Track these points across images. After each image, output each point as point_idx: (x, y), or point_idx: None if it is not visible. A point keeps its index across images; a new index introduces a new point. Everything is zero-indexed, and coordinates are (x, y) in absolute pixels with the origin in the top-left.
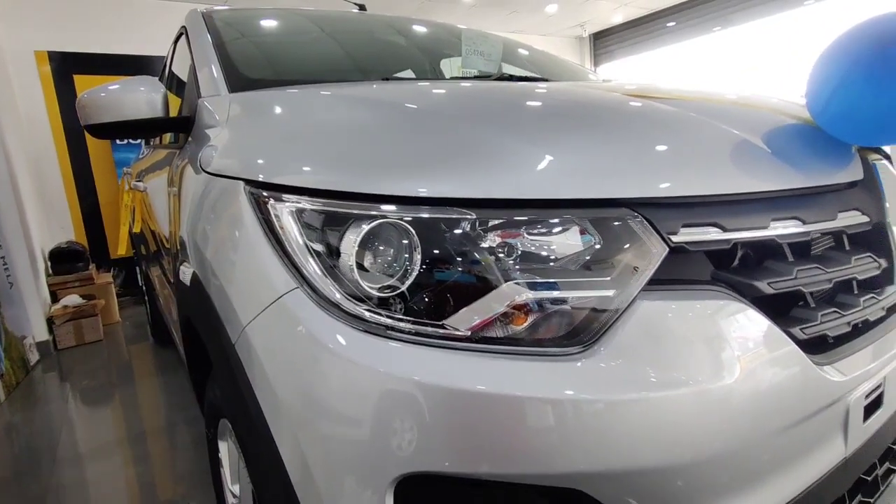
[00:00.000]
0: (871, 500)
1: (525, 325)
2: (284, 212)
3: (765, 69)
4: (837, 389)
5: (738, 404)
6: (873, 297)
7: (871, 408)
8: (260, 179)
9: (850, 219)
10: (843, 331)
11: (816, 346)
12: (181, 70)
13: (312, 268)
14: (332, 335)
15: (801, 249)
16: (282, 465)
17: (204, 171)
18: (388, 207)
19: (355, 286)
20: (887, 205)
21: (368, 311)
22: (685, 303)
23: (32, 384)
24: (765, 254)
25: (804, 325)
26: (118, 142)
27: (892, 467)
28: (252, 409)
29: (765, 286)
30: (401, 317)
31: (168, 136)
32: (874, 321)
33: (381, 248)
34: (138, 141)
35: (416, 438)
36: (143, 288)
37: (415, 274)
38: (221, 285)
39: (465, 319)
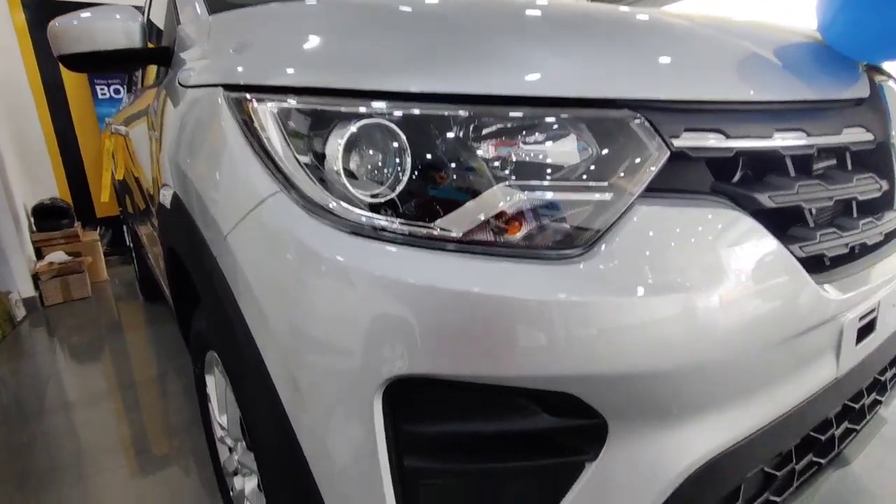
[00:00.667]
0: (857, 428)
1: (520, 227)
2: (265, 112)
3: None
4: (833, 308)
5: (734, 313)
6: (872, 222)
7: (864, 331)
8: (239, 83)
9: (854, 135)
10: (840, 252)
11: (813, 266)
12: (159, 15)
13: (296, 170)
14: (318, 237)
15: (803, 165)
16: (269, 379)
17: (182, 86)
18: (376, 105)
19: (342, 190)
20: (892, 126)
21: (358, 211)
22: (685, 210)
23: (19, 338)
24: (766, 168)
25: (803, 244)
26: (100, 96)
27: (879, 398)
28: (237, 324)
29: (765, 199)
30: (391, 218)
31: (151, 76)
32: (872, 245)
33: (371, 151)
34: (120, 95)
35: (408, 340)
36: (131, 245)
37: (405, 178)
38: (202, 198)
39: (458, 221)
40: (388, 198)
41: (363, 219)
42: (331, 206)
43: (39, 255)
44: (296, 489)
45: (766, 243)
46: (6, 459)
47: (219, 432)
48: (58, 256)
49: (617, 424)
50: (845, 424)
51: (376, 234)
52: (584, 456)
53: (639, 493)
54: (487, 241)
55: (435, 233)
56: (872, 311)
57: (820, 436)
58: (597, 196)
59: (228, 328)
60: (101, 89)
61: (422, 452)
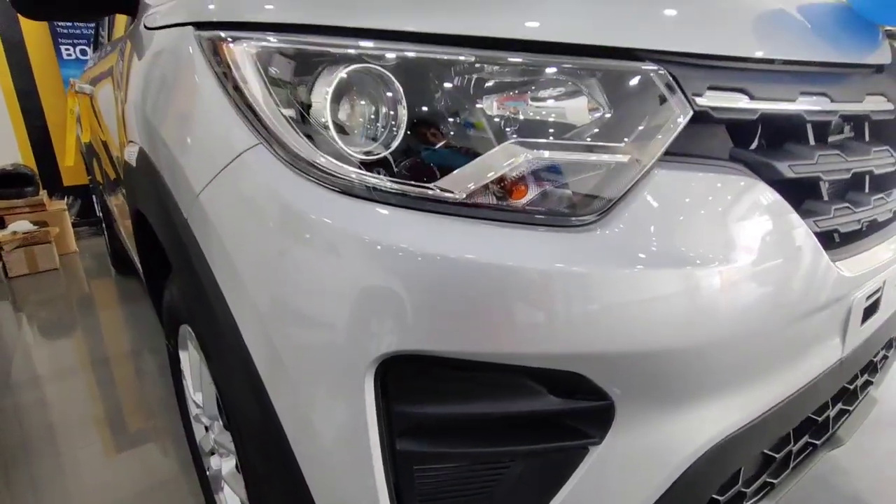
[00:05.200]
0: (850, 409)
1: (527, 191)
2: (242, 53)
3: None
4: (845, 286)
5: (751, 287)
6: (882, 198)
7: (869, 311)
8: (212, 20)
9: (875, 104)
10: (852, 228)
11: (824, 242)
12: None
13: (278, 120)
14: (303, 196)
15: (821, 136)
16: (247, 355)
17: (148, 29)
18: (368, 45)
19: (330, 143)
20: None
21: (349, 168)
22: (704, 176)
23: None
24: (785, 135)
25: (817, 218)
26: (65, 56)
27: (870, 379)
28: (211, 294)
29: (785, 168)
30: (385, 177)
31: (122, 30)
32: (880, 223)
33: (361, 101)
34: (87, 57)
35: (402, 314)
36: (101, 215)
37: (400, 133)
38: (171, 153)
39: (459, 181)
40: (382, 155)
41: (354, 176)
42: (318, 161)
43: (2, 224)
44: (277, 473)
45: (786, 216)
46: None
47: (194, 410)
48: (22, 226)
49: (625, 407)
50: (839, 405)
51: (369, 193)
52: (589, 440)
53: (643, 478)
54: (491, 205)
55: (434, 193)
56: (878, 290)
57: (817, 417)
58: (613, 158)
59: (202, 299)
60: (67, 50)
61: (416, 435)
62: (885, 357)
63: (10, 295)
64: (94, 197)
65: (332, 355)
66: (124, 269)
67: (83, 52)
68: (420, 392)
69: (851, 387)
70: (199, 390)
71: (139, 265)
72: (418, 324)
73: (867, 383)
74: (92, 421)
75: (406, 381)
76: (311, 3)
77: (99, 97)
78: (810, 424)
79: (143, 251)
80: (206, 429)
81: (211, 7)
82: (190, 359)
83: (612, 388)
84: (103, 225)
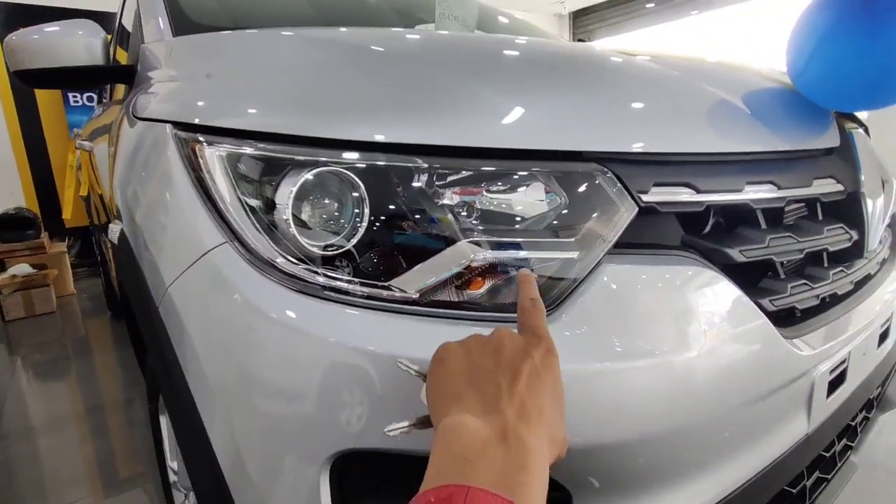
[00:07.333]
0: (829, 477)
1: (482, 288)
2: (213, 156)
3: (740, 54)
4: (804, 363)
5: (705, 376)
6: (842, 271)
7: (835, 383)
8: (189, 122)
9: (824, 186)
10: (811, 304)
11: (784, 319)
12: (131, 23)
13: (243, 221)
14: (264, 295)
15: (774, 217)
16: (208, 443)
17: (136, 118)
18: (332, 154)
19: (293, 243)
20: (862, 175)
21: (306, 269)
22: (653, 268)
23: None
24: (736, 220)
25: (773, 297)
26: (72, 103)
27: (850, 444)
28: (177, 379)
29: (736, 254)
30: (342, 277)
31: (120, 92)
32: (842, 295)
33: (325, 201)
34: (93, 103)
35: (356, 412)
36: (99, 258)
37: (362, 231)
38: (146, 242)
39: (414, 280)
40: (343, 249)
41: (311, 276)
42: (278, 261)
43: (2, 267)
44: None
45: (737, 301)
46: None
47: (171, 476)
48: (21, 269)
49: (582, 497)
50: (816, 474)
51: (326, 293)
52: None
53: None
54: (444, 303)
55: (388, 294)
56: (843, 362)
57: (791, 489)
58: (564, 254)
59: (168, 379)
60: (74, 96)
61: None
62: (865, 418)
63: (6, 339)
64: (93, 238)
65: (287, 450)
66: (119, 312)
67: (89, 99)
68: (378, 488)
69: (828, 454)
70: (175, 459)
71: (126, 323)
72: (371, 423)
73: (846, 448)
74: (83, 474)
75: (364, 476)
76: (280, 113)
77: (97, 153)
78: (784, 497)
79: (129, 317)
80: (185, 496)
81: (189, 110)
82: (168, 426)
83: (565, 479)
84: (101, 267)
